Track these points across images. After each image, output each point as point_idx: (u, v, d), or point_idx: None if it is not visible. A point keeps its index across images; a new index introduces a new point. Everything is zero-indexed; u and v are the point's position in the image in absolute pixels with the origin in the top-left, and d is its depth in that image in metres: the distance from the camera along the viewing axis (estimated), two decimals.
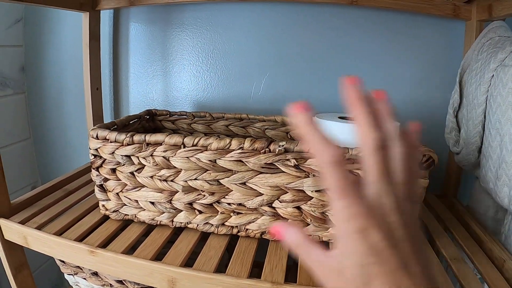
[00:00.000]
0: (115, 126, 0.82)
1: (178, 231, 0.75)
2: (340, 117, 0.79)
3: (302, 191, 0.64)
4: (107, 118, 1.23)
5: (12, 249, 0.79)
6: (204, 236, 0.73)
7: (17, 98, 1.27)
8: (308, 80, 1.11)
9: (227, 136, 0.96)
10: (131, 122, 0.91)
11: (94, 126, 0.89)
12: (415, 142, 0.45)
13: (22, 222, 0.75)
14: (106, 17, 1.17)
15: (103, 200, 0.77)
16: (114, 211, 0.76)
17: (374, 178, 0.39)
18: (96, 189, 0.76)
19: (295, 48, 1.10)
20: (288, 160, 0.62)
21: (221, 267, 0.65)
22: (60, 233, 0.72)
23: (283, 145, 0.61)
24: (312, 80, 1.11)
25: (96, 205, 0.83)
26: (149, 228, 0.76)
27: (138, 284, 0.77)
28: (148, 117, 1.01)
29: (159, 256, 0.67)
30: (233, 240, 0.73)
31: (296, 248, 0.42)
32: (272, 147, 0.62)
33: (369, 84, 1.04)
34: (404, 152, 0.42)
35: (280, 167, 0.63)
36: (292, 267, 0.72)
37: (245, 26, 1.11)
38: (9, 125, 1.24)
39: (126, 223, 0.77)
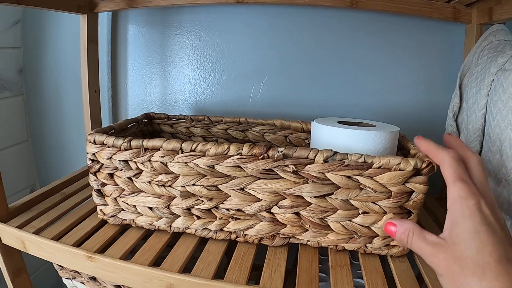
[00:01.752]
0: (113, 130, 0.82)
1: (176, 236, 0.74)
2: (339, 122, 0.78)
3: (301, 196, 0.64)
4: (105, 120, 1.23)
5: (10, 253, 0.79)
6: (202, 241, 0.73)
7: (15, 100, 1.26)
8: (307, 84, 1.11)
9: (225, 140, 0.96)
10: (129, 125, 0.91)
11: (92, 128, 0.89)
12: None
13: (20, 227, 0.75)
14: (104, 19, 1.16)
15: (101, 205, 0.76)
16: (112, 216, 0.76)
17: (480, 179, 0.51)
18: (94, 194, 0.75)
19: (294, 51, 1.10)
20: (286, 166, 0.61)
21: (220, 271, 0.64)
22: (58, 237, 0.72)
23: (281, 151, 0.61)
24: (311, 83, 1.11)
25: (94, 210, 0.82)
26: (147, 233, 0.75)
27: None
28: (146, 120, 1.00)
29: (157, 261, 0.66)
30: (232, 244, 0.73)
31: (412, 234, 0.53)
32: (270, 152, 0.61)
33: (369, 88, 1.04)
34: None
35: (278, 173, 0.62)
36: (293, 270, 0.72)
37: (244, 29, 1.11)
38: (7, 128, 1.24)
39: (124, 228, 0.77)
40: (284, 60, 1.11)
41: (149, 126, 1.01)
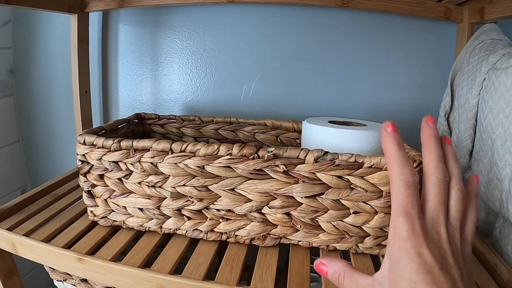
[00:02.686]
0: (103, 131, 0.81)
1: (167, 237, 0.74)
2: (330, 121, 0.78)
3: (292, 197, 0.63)
4: (96, 121, 1.23)
5: (1, 256, 0.78)
6: (193, 242, 0.73)
7: (6, 101, 1.25)
8: (299, 83, 1.11)
9: (217, 140, 0.96)
10: (119, 126, 0.90)
11: (83, 129, 0.88)
12: (475, 190, 0.51)
13: (10, 229, 0.74)
14: (95, 19, 1.16)
15: (91, 206, 0.76)
16: (102, 217, 0.75)
17: (433, 206, 0.45)
18: (84, 195, 0.75)
19: (286, 50, 1.10)
20: (277, 166, 0.61)
21: (212, 272, 0.64)
22: (48, 239, 0.71)
23: (271, 151, 0.61)
24: (303, 83, 1.10)
25: (85, 211, 0.82)
26: (138, 235, 0.75)
27: None
28: (137, 121, 1.00)
29: (148, 262, 0.66)
30: (223, 245, 0.72)
31: (343, 278, 0.48)
32: (261, 153, 0.61)
33: (361, 87, 1.04)
34: (462, 194, 0.47)
35: (269, 173, 0.62)
36: (284, 270, 0.71)
37: (235, 29, 1.10)
38: None
39: (115, 229, 0.76)
40: (276, 59, 1.11)
41: (140, 127, 1.01)
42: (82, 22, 1.06)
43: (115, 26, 1.17)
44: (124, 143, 0.66)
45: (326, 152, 0.60)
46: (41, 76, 1.26)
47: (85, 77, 1.10)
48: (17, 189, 1.33)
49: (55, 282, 0.87)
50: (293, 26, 1.08)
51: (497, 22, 0.88)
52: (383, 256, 0.68)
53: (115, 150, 0.67)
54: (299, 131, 0.94)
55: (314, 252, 0.73)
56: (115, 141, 0.67)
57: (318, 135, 0.72)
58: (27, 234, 0.73)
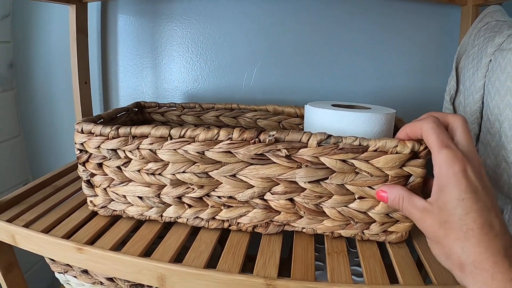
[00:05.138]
0: (102, 120, 0.80)
1: (168, 225, 0.73)
2: (333, 105, 0.76)
3: (295, 182, 0.62)
4: (96, 112, 1.22)
5: (1, 248, 0.77)
6: (194, 231, 0.71)
7: (6, 95, 1.25)
8: (301, 70, 1.10)
9: (217, 127, 0.95)
10: (118, 115, 0.89)
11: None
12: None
13: (10, 220, 0.73)
14: (93, 9, 1.15)
15: (91, 196, 0.74)
16: (102, 207, 0.74)
17: (466, 142, 0.51)
18: (83, 185, 0.74)
19: (288, 37, 1.08)
20: (279, 150, 0.59)
21: (214, 261, 0.62)
22: (47, 230, 0.70)
23: (273, 135, 0.59)
24: (305, 69, 1.09)
25: (84, 201, 0.81)
26: (138, 224, 0.74)
27: (129, 281, 0.75)
28: (136, 109, 0.98)
29: (148, 252, 0.65)
30: (225, 233, 0.71)
31: (402, 200, 0.55)
32: (262, 137, 0.59)
33: (364, 73, 1.03)
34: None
35: (271, 158, 0.60)
36: (286, 261, 0.70)
37: (235, 16, 1.09)
38: None
39: (115, 219, 0.75)
40: (277, 46, 1.09)
41: (139, 115, 1.00)
42: (80, 12, 1.05)
43: (114, 16, 1.16)
44: (122, 130, 0.65)
45: (329, 136, 0.58)
46: (41, 70, 1.25)
47: (84, 68, 1.09)
48: (19, 183, 1.32)
49: (56, 274, 0.86)
50: (294, 13, 1.06)
51: (502, 3, 0.86)
52: (389, 243, 0.67)
53: (113, 138, 0.66)
54: (302, 117, 0.92)
55: (319, 240, 0.71)
56: (113, 128, 0.65)
57: (321, 119, 0.70)
58: (27, 225, 0.72)
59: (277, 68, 1.11)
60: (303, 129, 0.86)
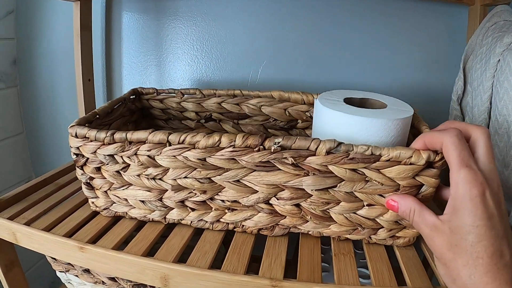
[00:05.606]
0: (97, 116, 0.77)
1: (171, 226, 0.72)
2: (346, 99, 0.71)
3: (301, 189, 0.60)
4: None
5: (2, 246, 0.77)
6: (199, 230, 0.71)
7: (10, 92, 1.24)
8: (307, 67, 1.09)
9: (220, 115, 0.92)
10: (115, 106, 0.86)
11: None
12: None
13: (11, 218, 0.72)
14: (98, 6, 1.14)
15: (92, 198, 0.73)
16: (104, 209, 0.73)
17: (487, 160, 0.48)
18: (83, 187, 0.72)
19: (293, 34, 1.08)
20: (285, 158, 0.57)
21: (217, 262, 0.62)
22: (49, 228, 0.70)
23: (278, 142, 0.56)
24: (311, 67, 1.09)
25: (86, 200, 0.79)
26: (141, 223, 0.73)
27: (131, 281, 0.74)
28: (134, 96, 0.95)
29: (151, 252, 0.64)
30: (229, 233, 0.70)
31: (413, 214, 0.53)
32: (267, 144, 0.57)
33: (371, 72, 1.02)
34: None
35: (276, 165, 0.58)
36: (292, 263, 0.69)
37: (241, 14, 1.08)
38: (1, 120, 1.22)
39: (118, 218, 0.74)
40: (283, 43, 1.09)
41: (137, 103, 0.97)
42: (84, 9, 1.04)
43: (118, 13, 1.15)
44: (118, 136, 0.62)
45: (339, 143, 0.55)
46: (44, 66, 1.25)
47: (88, 65, 1.08)
48: (21, 180, 1.32)
49: (58, 273, 0.86)
50: (300, 11, 1.06)
51: (510, 3, 0.86)
52: (397, 246, 0.66)
53: (109, 144, 0.63)
54: (309, 104, 0.89)
55: (325, 241, 0.70)
56: (108, 134, 0.62)
57: (332, 120, 0.65)
58: (28, 223, 0.71)
59: (283, 66, 1.10)
60: (311, 118, 0.84)
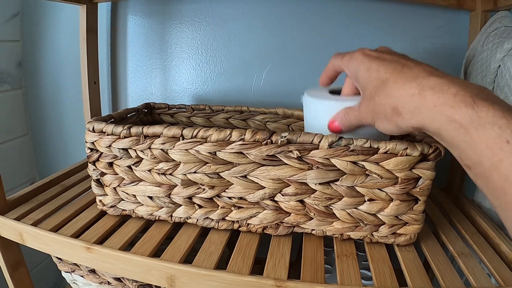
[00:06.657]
0: (112, 119, 0.80)
1: (177, 226, 0.73)
2: (331, 91, 0.70)
3: (305, 184, 0.62)
4: (105, 112, 1.22)
5: (8, 246, 0.78)
6: (204, 232, 0.72)
7: (15, 93, 1.25)
8: (310, 73, 1.10)
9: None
10: (128, 115, 0.89)
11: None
12: None
13: (18, 219, 0.73)
14: (103, 10, 1.15)
15: (100, 195, 0.75)
16: (111, 207, 0.74)
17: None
18: (93, 184, 0.74)
19: (297, 39, 1.08)
20: (291, 151, 0.60)
21: (222, 264, 0.63)
22: (56, 229, 0.71)
23: (285, 136, 0.59)
24: (314, 72, 1.09)
25: (93, 201, 0.81)
26: (147, 224, 0.74)
27: (137, 281, 0.75)
28: (146, 110, 0.98)
29: (157, 253, 0.65)
30: (233, 235, 0.71)
31: (346, 115, 0.58)
32: (274, 138, 0.60)
33: None
34: None
35: (282, 159, 0.61)
36: (296, 263, 0.70)
37: (245, 18, 1.09)
38: (6, 121, 1.23)
39: (124, 219, 0.75)
40: (287, 49, 1.09)
41: (149, 116, 1.00)
42: (90, 12, 1.05)
43: (123, 17, 1.16)
44: (134, 130, 0.65)
45: (340, 137, 0.59)
46: (49, 69, 1.26)
47: (93, 68, 1.09)
48: (25, 181, 1.33)
49: (63, 274, 0.87)
50: (304, 16, 1.06)
51: (511, 9, 0.86)
52: (398, 245, 0.67)
53: (125, 137, 0.66)
54: None
55: (327, 243, 0.71)
56: (125, 128, 0.66)
57: (314, 110, 0.66)
58: (35, 224, 0.72)
59: (286, 71, 1.11)
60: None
